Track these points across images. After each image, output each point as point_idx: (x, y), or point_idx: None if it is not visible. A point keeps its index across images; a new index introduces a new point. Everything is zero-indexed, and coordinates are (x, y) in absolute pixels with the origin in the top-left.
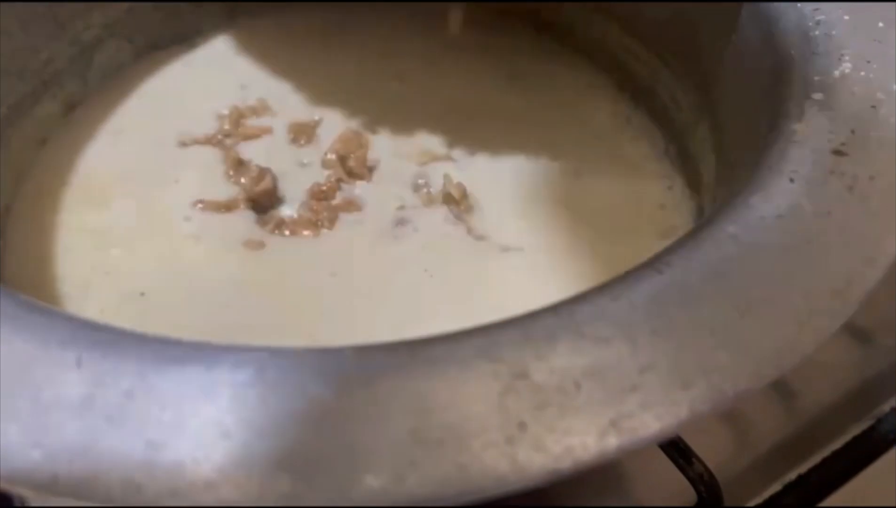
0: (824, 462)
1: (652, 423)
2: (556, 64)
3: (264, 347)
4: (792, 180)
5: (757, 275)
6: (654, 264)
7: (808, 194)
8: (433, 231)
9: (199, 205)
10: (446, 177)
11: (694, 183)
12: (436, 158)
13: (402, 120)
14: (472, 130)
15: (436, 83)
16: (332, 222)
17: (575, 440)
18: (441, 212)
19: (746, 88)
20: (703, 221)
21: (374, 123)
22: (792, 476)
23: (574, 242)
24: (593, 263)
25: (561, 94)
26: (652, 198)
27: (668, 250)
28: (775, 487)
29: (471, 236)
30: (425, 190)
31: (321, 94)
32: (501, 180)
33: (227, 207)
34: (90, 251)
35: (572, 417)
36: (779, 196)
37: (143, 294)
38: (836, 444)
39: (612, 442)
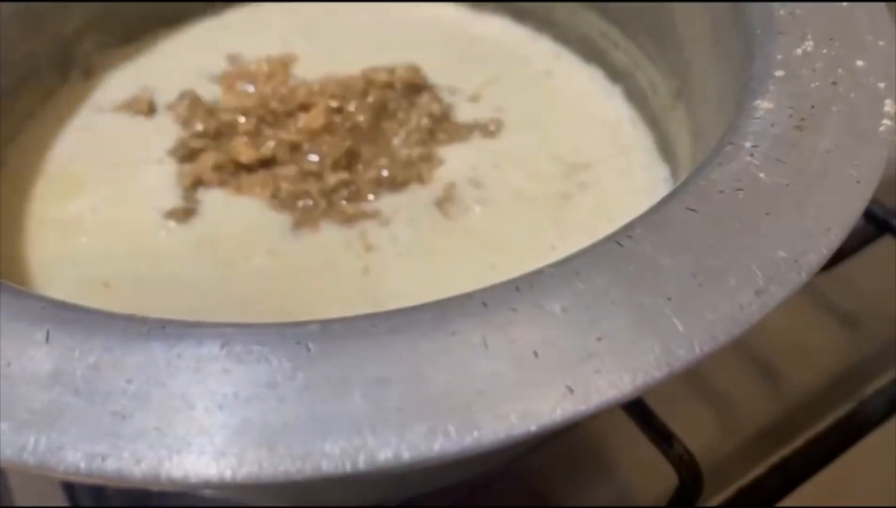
0: (808, 444)
1: (606, 389)
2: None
3: (231, 323)
4: (752, 155)
5: (715, 246)
6: (615, 236)
7: (766, 168)
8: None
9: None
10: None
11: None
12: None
13: None
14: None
15: None
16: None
17: (531, 406)
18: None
19: (718, 69)
20: (666, 196)
21: None
22: (775, 458)
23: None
24: None
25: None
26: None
27: (630, 225)
28: (759, 469)
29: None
30: None
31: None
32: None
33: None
34: (57, 241)
35: (529, 385)
36: (738, 170)
37: (107, 285)
38: (820, 426)
39: (568, 408)
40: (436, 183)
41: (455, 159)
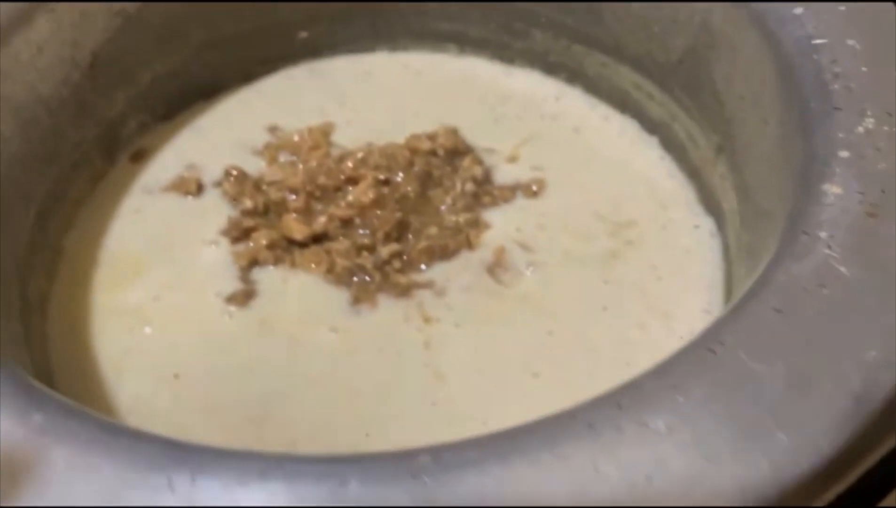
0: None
1: None
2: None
3: (346, 457)
4: (829, 247)
5: (806, 349)
6: (706, 342)
7: (846, 260)
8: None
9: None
10: None
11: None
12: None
13: None
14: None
15: None
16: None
17: None
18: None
19: (765, 132)
20: (747, 293)
21: None
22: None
23: None
24: None
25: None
26: None
27: (718, 327)
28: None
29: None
30: None
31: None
32: None
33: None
34: (123, 332)
35: None
36: (819, 264)
37: (176, 376)
38: None
39: None
40: (484, 247)
41: (501, 222)
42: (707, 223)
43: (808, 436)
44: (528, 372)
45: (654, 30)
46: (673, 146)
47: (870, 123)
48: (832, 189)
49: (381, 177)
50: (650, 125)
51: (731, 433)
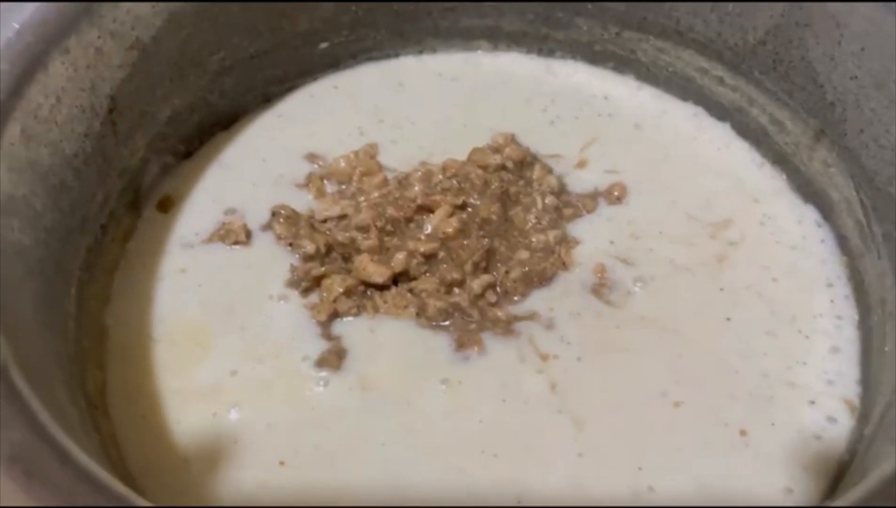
0: None
1: None
2: None
3: None
4: None
5: None
6: None
7: None
8: None
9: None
10: None
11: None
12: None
13: None
14: None
15: None
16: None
17: None
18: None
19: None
20: None
21: None
22: None
23: None
24: None
25: None
26: None
27: None
28: None
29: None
30: None
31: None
32: None
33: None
34: (206, 419)
35: None
36: None
37: (282, 463)
38: None
39: None
40: (580, 267)
41: (590, 236)
42: (810, 213)
43: None
44: (669, 403)
45: (727, 9)
46: (750, 133)
47: None
48: None
49: (458, 202)
50: (720, 112)
51: None
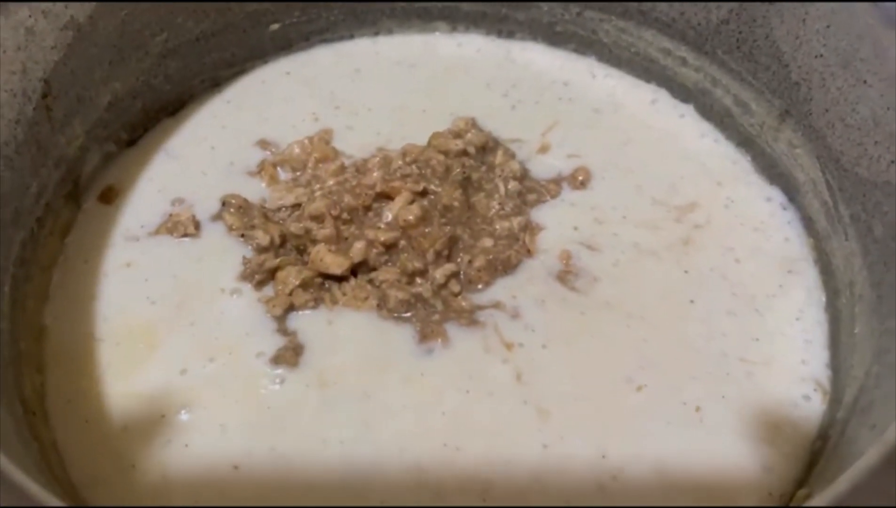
0: None
1: None
2: None
3: None
4: None
5: None
6: None
7: None
8: None
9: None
10: None
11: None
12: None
13: None
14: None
15: None
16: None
17: None
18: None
19: (863, 96)
20: None
21: None
22: None
23: None
24: None
25: None
26: None
27: None
28: None
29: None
30: None
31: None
32: None
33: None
34: (155, 423)
35: None
36: None
37: (236, 467)
38: None
39: None
40: (544, 253)
41: (554, 221)
42: (775, 195)
43: None
44: (632, 387)
45: None
46: (714, 114)
47: None
48: None
49: (418, 189)
50: (683, 94)
51: None
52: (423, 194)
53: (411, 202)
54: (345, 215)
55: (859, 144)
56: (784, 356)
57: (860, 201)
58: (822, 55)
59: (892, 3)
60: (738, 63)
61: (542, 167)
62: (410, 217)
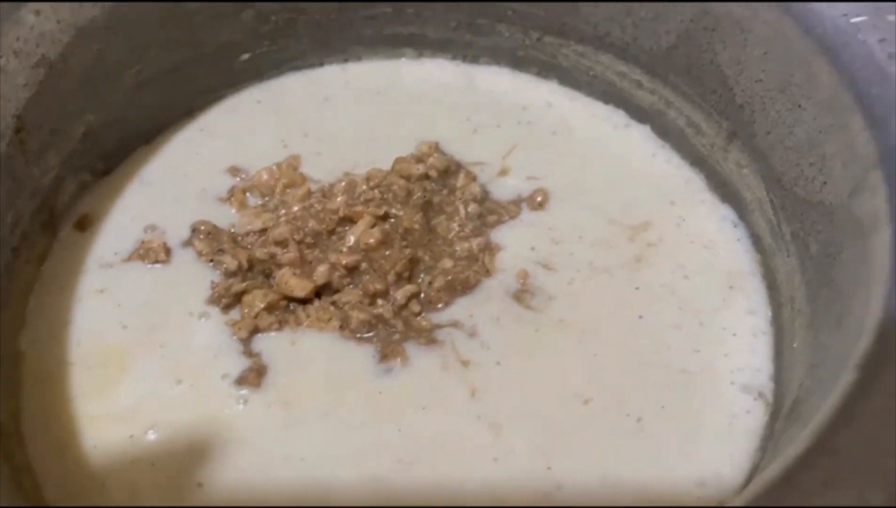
0: None
1: None
2: None
3: None
4: None
5: None
6: None
7: None
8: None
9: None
10: None
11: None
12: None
13: None
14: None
15: None
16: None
17: None
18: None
19: (799, 119)
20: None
21: None
22: None
23: None
24: None
25: None
26: None
27: None
28: None
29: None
30: None
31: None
32: None
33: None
34: (123, 443)
35: None
36: None
37: (200, 485)
38: None
39: None
40: (503, 272)
41: (513, 242)
42: (727, 213)
43: None
44: (580, 400)
45: (640, 14)
46: (670, 134)
47: None
48: None
49: (380, 212)
50: (640, 115)
51: None
52: (385, 217)
53: (373, 226)
54: (308, 240)
55: (797, 165)
56: (727, 368)
57: (799, 219)
58: (761, 80)
59: (824, 31)
60: (689, 86)
61: (503, 189)
62: (371, 240)
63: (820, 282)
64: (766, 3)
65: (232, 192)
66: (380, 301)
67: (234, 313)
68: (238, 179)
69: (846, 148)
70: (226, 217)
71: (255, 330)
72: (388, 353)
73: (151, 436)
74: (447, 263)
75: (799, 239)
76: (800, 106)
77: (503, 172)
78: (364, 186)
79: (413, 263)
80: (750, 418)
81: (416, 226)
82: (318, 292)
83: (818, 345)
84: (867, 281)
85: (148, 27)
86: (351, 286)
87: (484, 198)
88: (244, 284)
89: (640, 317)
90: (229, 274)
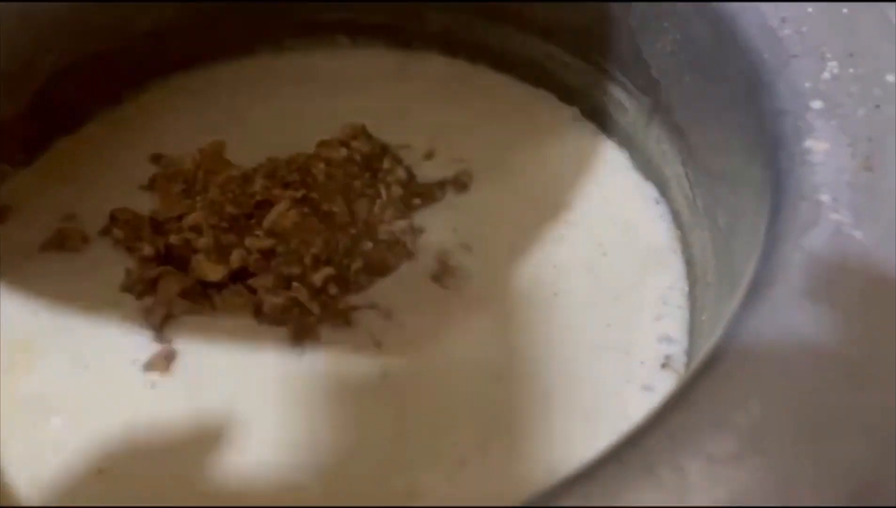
0: None
1: None
2: None
3: None
4: (837, 211)
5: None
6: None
7: (858, 224)
8: None
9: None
10: None
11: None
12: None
13: None
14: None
15: None
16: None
17: None
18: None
19: (707, 91)
20: (761, 275)
21: None
22: None
23: None
24: None
25: None
26: None
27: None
28: None
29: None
30: None
31: None
32: None
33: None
34: (27, 430)
35: None
36: (831, 234)
37: (101, 471)
38: None
39: None
40: (425, 254)
41: (436, 225)
42: (649, 191)
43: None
44: (492, 378)
45: None
46: (597, 114)
47: (833, 67)
48: (818, 145)
49: (298, 196)
50: (568, 95)
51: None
52: (304, 201)
53: (290, 209)
54: (223, 225)
55: (706, 138)
56: (641, 343)
57: (711, 192)
58: (673, 52)
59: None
60: (609, 63)
61: (428, 172)
62: (287, 224)
63: (725, 254)
64: None
65: (154, 179)
66: (295, 284)
67: (148, 301)
68: (161, 166)
69: (745, 117)
70: (148, 205)
71: (169, 316)
72: (300, 334)
73: (55, 421)
74: (367, 245)
75: (711, 212)
76: (708, 78)
77: (429, 156)
78: (284, 170)
79: (331, 246)
80: (656, 392)
81: (336, 209)
82: (235, 278)
83: (719, 317)
84: (753, 250)
85: (63, 19)
86: (268, 272)
87: (409, 181)
88: (158, 269)
89: (555, 295)
90: (144, 261)
